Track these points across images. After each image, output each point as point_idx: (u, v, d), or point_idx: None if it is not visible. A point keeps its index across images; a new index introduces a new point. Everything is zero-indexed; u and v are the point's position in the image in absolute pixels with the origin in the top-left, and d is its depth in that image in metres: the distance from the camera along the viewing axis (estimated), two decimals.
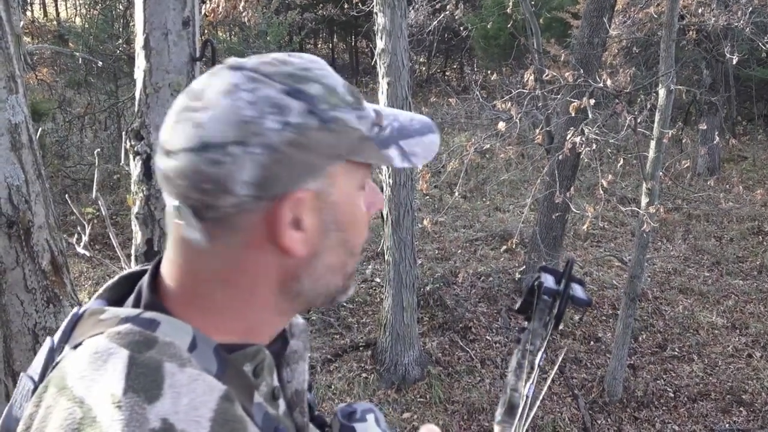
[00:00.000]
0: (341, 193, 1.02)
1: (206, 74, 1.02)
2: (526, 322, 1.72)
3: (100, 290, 1.08)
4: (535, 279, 1.72)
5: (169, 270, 1.03)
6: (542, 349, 1.71)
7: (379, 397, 8.42)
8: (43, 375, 0.98)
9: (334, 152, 0.99)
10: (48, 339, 1.03)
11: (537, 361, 1.69)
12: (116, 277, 1.10)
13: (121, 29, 15.57)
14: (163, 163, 0.97)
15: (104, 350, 0.91)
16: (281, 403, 1.09)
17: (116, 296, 1.07)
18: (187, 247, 0.99)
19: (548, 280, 1.74)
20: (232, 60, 1.02)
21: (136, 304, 1.03)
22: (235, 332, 1.02)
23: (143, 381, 0.87)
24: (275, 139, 0.94)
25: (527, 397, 1.65)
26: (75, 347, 0.96)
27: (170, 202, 0.98)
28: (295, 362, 1.17)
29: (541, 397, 1.65)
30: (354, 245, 1.07)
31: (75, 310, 1.03)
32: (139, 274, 1.09)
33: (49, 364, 0.99)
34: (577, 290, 1.74)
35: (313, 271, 1.03)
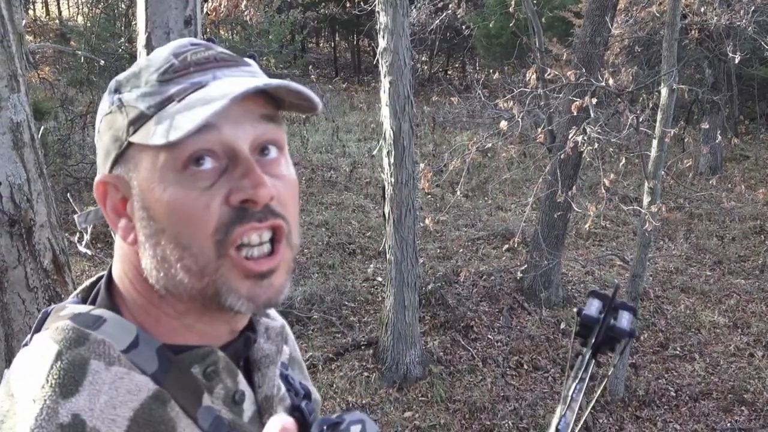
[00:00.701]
0: (144, 178, 0.97)
1: None
2: (583, 348, 1.70)
3: (77, 290, 1.09)
4: (588, 305, 1.68)
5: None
6: (579, 380, 1.68)
7: (381, 396, 8.42)
8: None
9: (117, 134, 0.98)
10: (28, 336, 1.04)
11: (570, 393, 1.66)
12: (94, 277, 1.11)
13: (123, 28, 15.60)
14: None
15: (41, 346, 0.93)
16: (247, 408, 1.07)
17: (89, 295, 1.08)
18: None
19: (592, 307, 1.69)
20: None
21: (93, 302, 1.04)
22: (166, 333, 1.01)
23: (62, 376, 0.88)
24: (97, 126, 1.02)
25: (558, 429, 1.62)
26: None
27: None
28: (266, 366, 1.13)
29: (579, 427, 1.60)
30: (179, 236, 0.96)
31: (46, 308, 1.04)
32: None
33: None
34: (623, 319, 1.68)
35: (148, 261, 0.99)
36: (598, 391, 1.75)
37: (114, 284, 1.04)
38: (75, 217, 1.10)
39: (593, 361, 1.70)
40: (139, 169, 0.97)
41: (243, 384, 1.07)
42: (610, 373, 1.77)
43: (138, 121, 0.96)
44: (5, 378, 0.93)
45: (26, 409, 0.86)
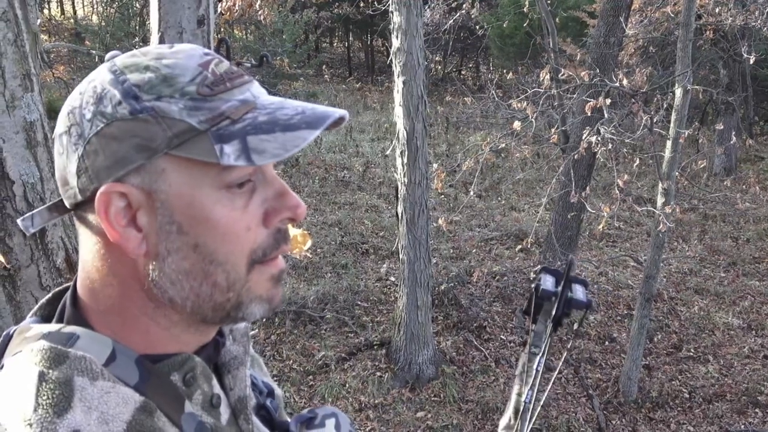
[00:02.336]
0: (176, 192, 0.95)
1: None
2: (533, 325, 1.76)
3: (35, 308, 1.06)
4: (534, 281, 1.75)
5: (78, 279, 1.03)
6: (542, 354, 1.73)
7: (393, 396, 8.42)
8: None
9: (147, 144, 0.93)
10: None
11: (535, 366, 1.72)
12: (50, 294, 1.08)
13: (137, 27, 15.65)
14: None
15: (18, 369, 0.90)
16: (223, 411, 1.07)
17: (49, 312, 1.05)
18: (81, 247, 1.01)
19: (547, 282, 1.77)
20: (112, 53, 1.02)
21: (59, 319, 1.02)
22: (147, 343, 1.00)
23: (52, 396, 0.86)
24: (88, 129, 0.93)
25: (525, 402, 1.66)
26: (0, 368, 0.95)
27: None
28: (235, 368, 1.13)
29: (542, 401, 1.69)
30: (214, 253, 0.97)
31: (7, 330, 1.02)
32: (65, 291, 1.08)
33: None
34: (578, 291, 1.76)
35: (163, 274, 0.97)
36: (560, 365, 1.81)
37: (79, 299, 1.02)
38: (19, 221, 1.06)
39: (553, 334, 1.76)
40: (169, 181, 0.94)
41: (217, 387, 1.07)
42: (570, 345, 1.83)
43: (184, 135, 0.93)
44: None
45: None
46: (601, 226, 9.20)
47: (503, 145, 9.82)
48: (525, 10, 12.60)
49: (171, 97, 0.93)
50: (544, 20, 11.17)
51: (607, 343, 9.89)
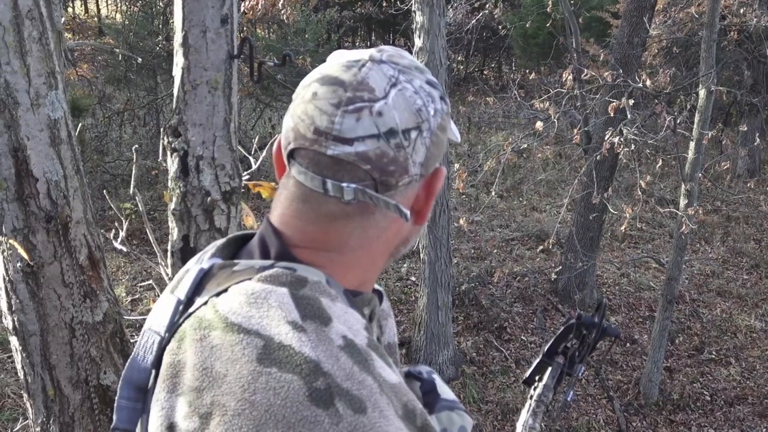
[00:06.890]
0: (438, 165, 1.14)
1: (340, 65, 1.08)
2: (541, 382, 2.08)
3: (212, 250, 1.18)
4: (567, 325, 2.05)
5: (302, 234, 1.11)
6: (549, 402, 2.07)
7: None
8: (171, 327, 1.07)
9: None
10: (168, 296, 1.12)
11: (579, 374, 2.09)
12: (224, 240, 1.21)
13: (160, 26, 15.68)
14: (337, 150, 1.03)
15: (261, 290, 1.01)
16: None
17: (228, 254, 1.18)
18: (332, 219, 1.09)
19: (585, 316, 2.05)
20: (367, 54, 1.10)
21: (264, 256, 1.12)
22: (355, 283, 1.14)
23: (313, 310, 0.99)
24: (433, 123, 1.08)
25: (566, 402, 1.93)
26: (218, 295, 1.05)
27: (332, 183, 1.05)
28: (384, 319, 1.32)
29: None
30: None
31: (198, 267, 1.12)
32: (243, 237, 1.21)
33: (179, 316, 1.08)
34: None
35: (417, 232, 1.20)
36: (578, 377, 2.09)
37: (289, 246, 1.12)
38: None
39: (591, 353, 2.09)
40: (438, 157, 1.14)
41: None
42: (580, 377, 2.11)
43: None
44: (216, 325, 1.00)
45: (298, 339, 0.95)
46: (623, 228, 9.17)
47: (525, 145, 9.80)
48: (548, 10, 12.53)
49: None
50: (568, 20, 11.13)
51: (628, 344, 9.85)
